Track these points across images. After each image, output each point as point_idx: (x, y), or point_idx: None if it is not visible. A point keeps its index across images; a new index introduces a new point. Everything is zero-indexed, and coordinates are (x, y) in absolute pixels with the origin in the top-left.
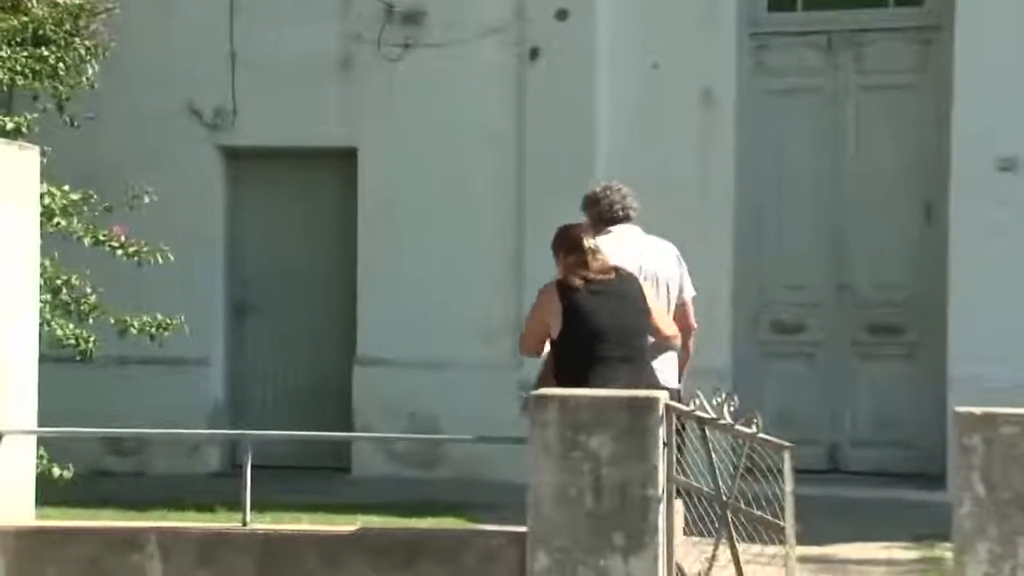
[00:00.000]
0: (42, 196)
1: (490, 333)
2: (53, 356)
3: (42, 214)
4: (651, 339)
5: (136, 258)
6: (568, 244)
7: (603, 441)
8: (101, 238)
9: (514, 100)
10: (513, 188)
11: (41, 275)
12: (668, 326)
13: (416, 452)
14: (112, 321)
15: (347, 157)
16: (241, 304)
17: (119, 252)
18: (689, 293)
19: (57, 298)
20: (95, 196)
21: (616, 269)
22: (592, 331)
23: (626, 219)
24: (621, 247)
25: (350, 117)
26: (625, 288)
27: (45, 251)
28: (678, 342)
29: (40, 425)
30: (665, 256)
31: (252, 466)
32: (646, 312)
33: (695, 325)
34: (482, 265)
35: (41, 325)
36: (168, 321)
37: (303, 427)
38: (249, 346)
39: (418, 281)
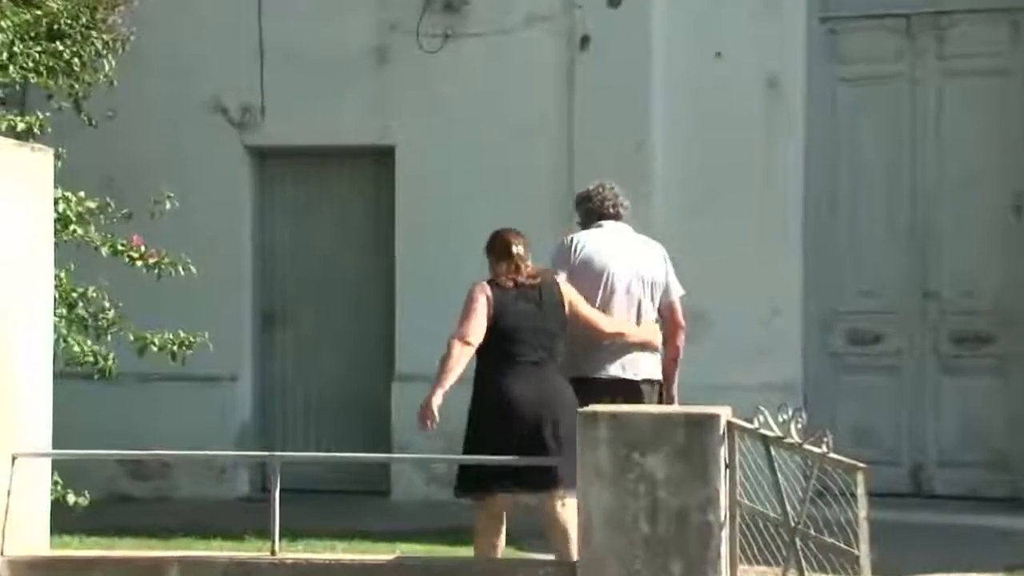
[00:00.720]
0: (56, 202)
1: None
2: (70, 373)
3: (57, 221)
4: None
5: (156, 270)
6: (499, 249)
7: (659, 461)
8: (120, 248)
9: (563, 92)
10: (564, 186)
11: (56, 288)
12: (610, 324)
13: None
14: (131, 338)
15: (383, 156)
16: (271, 316)
17: (138, 263)
18: (677, 293)
19: (73, 312)
20: (112, 204)
21: (541, 275)
22: (513, 330)
23: (616, 217)
24: (609, 240)
25: (386, 113)
26: (548, 294)
27: (60, 262)
28: (656, 342)
29: (56, 447)
30: (652, 255)
31: (285, 490)
32: (563, 315)
33: (683, 324)
34: None
35: (57, 341)
36: (191, 339)
37: (338, 447)
38: (279, 361)
39: (462, 289)
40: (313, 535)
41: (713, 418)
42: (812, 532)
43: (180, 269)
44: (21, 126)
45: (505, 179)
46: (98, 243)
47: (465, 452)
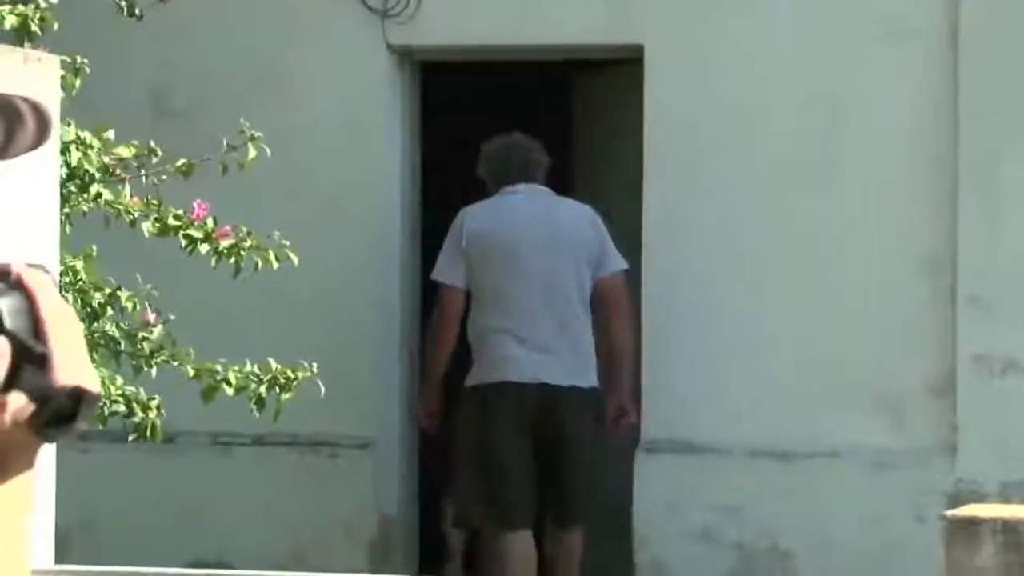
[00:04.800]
0: (67, 147)
1: (891, 398)
2: (90, 431)
3: (70, 179)
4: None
5: (233, 259)
6: None
7: None
8: (173, 222)
9: None
10: (937, 133)
11: (67, 287)
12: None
13: None
14: (191, 372)
15: (625, 66)
16: None
17: (203, 248)
18: (616, 265)
19: (95, 328)
20: (159, 151)
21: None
22: None
23: (530, 179)
24: (516, 208)
25: None
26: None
27: (73, 245)
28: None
29: (62, 558)
30: (578, 219)
31: None
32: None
33: (627, 305)
34: (877, 267)
35: None
36: (289, 374)
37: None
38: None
39: (751, 292)
40: None
41: None
42: None
43: (273, 258)
44: (11, 20)
45: (831, 115)
46: (136, 214)
47: None
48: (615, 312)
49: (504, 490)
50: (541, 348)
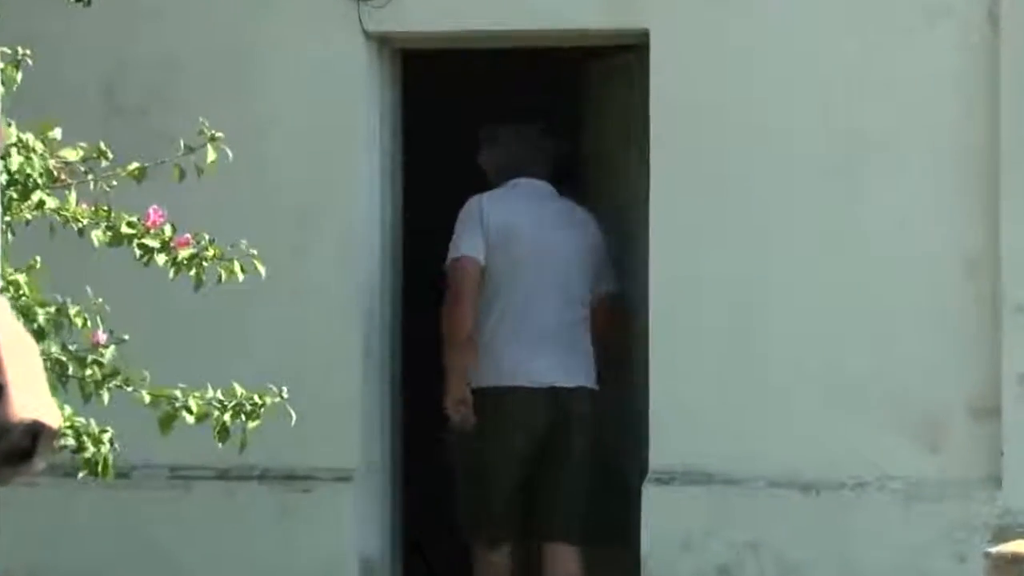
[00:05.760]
0: (7, 153)
1: (927, 421)
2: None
3: (10, 185)
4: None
5: (194, 271)
6: None
7: None
8: (126, 230)
9: None
10: (976, 123)
11: (10, 304)
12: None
13: None
14: (146, 399)
15: (627, 53)
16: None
17: (161, 259)
18: (609, 286)
19: (41, 350)
20: (110, 154)
21: None
22: None
23: (537, 174)
24: (530, 204)
25: None
26: None
27: (16, 257)
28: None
29: None
30: (586, 227)
31: None
32: None
33: (613, 329)
34: (910, 273)
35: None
36: (257, 400)
37: None
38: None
39: (768, 300)
40: None
41: None
42: None
43: (238, 269)
44: None
45: (855, 108)
46: (85, 221)
47: None
48: (606, 332)
49: (496, 505)
50: (550, 350)
